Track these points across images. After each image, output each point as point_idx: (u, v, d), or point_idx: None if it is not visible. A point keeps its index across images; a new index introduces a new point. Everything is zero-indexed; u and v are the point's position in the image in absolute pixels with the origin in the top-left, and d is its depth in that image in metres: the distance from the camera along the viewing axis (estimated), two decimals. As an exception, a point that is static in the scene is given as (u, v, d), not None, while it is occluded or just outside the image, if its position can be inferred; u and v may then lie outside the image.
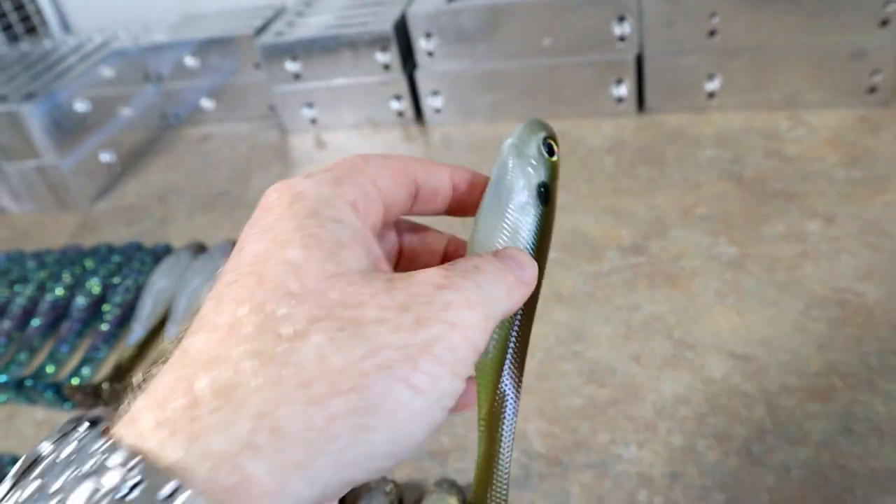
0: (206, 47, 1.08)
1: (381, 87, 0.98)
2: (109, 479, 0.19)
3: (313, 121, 1.04)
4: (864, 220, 0.69)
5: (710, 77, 0.87)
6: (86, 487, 0.19)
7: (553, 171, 0.35)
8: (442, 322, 0.23)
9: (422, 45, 0.93)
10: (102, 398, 0.65)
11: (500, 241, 0.31)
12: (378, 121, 1.01)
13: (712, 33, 0.85)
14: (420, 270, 0.24)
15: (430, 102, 0.97)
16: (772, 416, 0.53)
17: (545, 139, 0.36)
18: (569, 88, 0.92)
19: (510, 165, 0.34)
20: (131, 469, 0.19)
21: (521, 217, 0.33)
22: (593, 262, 0.70)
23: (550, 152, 0.36)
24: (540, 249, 0.33)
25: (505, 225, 0.32)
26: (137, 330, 0.71)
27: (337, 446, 0.21)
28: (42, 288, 0.79)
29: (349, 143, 1.00)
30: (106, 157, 1.03)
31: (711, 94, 0.88)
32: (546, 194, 0.35)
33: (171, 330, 0.70)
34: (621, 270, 0.69)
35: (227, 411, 0.20)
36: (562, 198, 0.79)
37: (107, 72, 1.06)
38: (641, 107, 0.92)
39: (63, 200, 1.00)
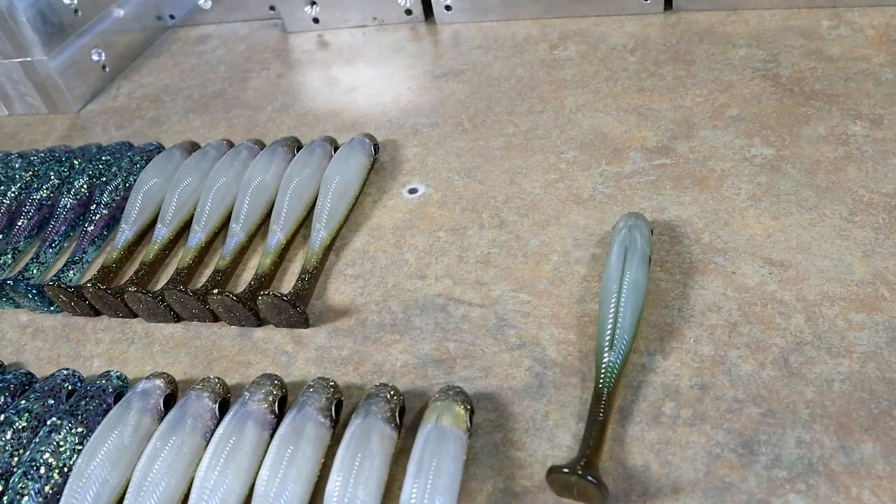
0: (201, -60, 1.01)
1: (388, -19, 0.91)
2: None
3: (315, 20, 0.97)
4: (914, 122, 0.63)
5: (746, -29, 0.80)
6: None
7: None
8: None
9: (433, -67, 0.86)
10: (87, 300, 0.60)
11: (625, 285, 0.49)
12: (384, 19, 0.95)
13: (751, -79, 0.77)
14: None
15: (440, -1, 0.90)
16: (811, 326, 0.49)
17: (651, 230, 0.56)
18: (591, -16, 0.85)
19: (638, 237, 0.53)
20: None
21: (640, 271, 0.50)
22: (614, 164, 0.65)
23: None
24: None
25: (629, 273, 0.50)
26: (125, 230, 0.66)
27: None
28: (28, 188, 0.74)
29: (353, 44, 0.93)
30: (97, 57, 0.97)
31: (746, -9, 0.81)
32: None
33: (160, 231, 0.65)
34: (645, 171, 0.63)
35: None
36: (580, 96, 0.75)
37: (97, -34, 0.99)
38: (669, 5, 0.85)
39: (53, 102, 0.94)
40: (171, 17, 1.10)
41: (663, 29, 0.82)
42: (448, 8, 0.91)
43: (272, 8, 1.03)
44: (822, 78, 0.70)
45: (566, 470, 0.40)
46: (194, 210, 0.66)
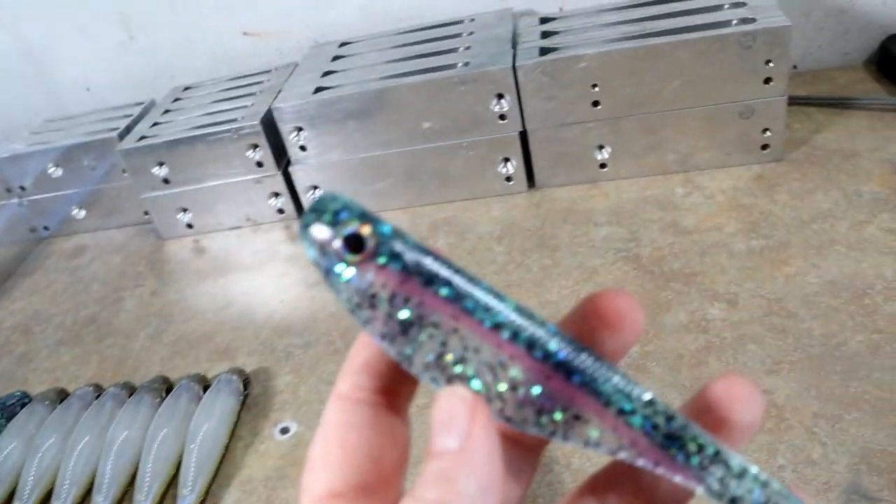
0: (69, 154, 1.00)
1: (256, 185, 0.91)
2: None
3: (189, 225, 0.96)
4: (768, 299, 0.65)
5: (600, 147, 0.83)
6: None
7: None
8: None
9: (292, 139, 0.86)
10: None
11: None
12: (257, 220, 0.95)
13: (595, 103, 0.80)
14: None
15: (310, 197, 0.91)
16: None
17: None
18: (455, 170, 0.86)
19: None
20: None
21: None
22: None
23: None
24: None
25: None
26: (-16, 512, 0.62)
27: None
28: None
29: (228, 248, 0.92)
30: (-36, 286, 0.94)
31: (603, 165, 0.84)
32: None
33: (23, 509, 0.61)
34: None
35: None
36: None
37: (-40, 190, 0.97)
38: (532, 183, 0.87)
39: (-83, 341, 0.90)
40: (45, 228, 1.08)
41: (528, 210, 0.84)
42: (319, 204, 0.91)
43: (147, 212, 1.02)
44: (679, 255, 0.72)
45: None
46: (55, 480, 0.63)
